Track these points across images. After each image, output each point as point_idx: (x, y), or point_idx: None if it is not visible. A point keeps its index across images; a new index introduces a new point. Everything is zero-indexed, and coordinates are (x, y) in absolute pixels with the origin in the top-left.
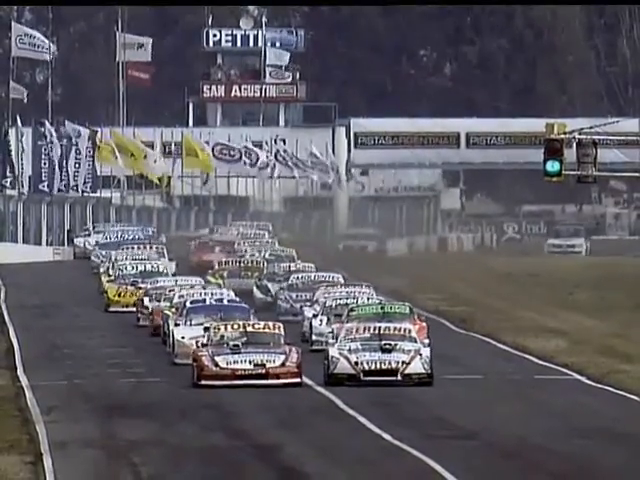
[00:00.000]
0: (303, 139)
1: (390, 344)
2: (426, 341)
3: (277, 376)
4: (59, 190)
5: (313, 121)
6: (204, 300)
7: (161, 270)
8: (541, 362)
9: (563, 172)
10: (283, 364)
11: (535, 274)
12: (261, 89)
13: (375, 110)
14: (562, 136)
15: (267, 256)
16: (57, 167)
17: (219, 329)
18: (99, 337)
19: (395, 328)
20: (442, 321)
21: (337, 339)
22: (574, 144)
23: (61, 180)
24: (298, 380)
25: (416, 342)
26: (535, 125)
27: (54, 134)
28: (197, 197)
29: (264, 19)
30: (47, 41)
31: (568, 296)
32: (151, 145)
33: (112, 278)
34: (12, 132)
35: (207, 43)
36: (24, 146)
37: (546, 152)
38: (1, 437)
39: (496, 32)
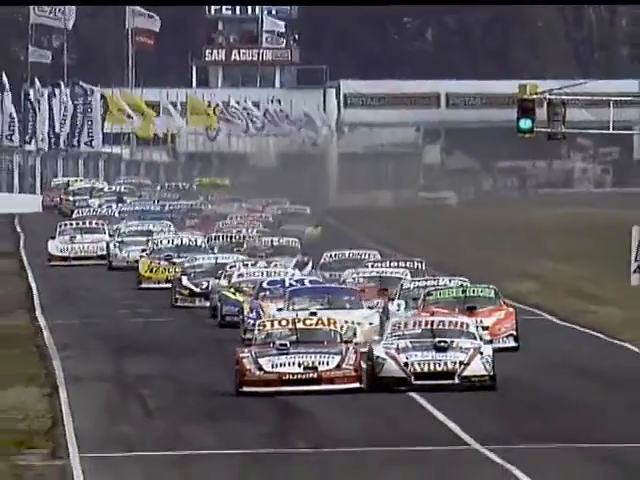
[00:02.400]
0: (297, 99)
1: (445, 341)
2: (487, 336)
3: (331, 380)
4: (73, 146)
5: (306, 83)
6: (283, 281)
7: (199, 244)
8: (514, 303)
9: (535, 129)
10: (339, 366)
11: (511, 224)
12: (258, 53)
13: (363, 73)
14: (534, 96)
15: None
16: (71, 124)
17: (265, 326)
18: (110, 281)
19: (450, 322)
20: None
21: (382, 335)
22: (545, 104)
23: (74, 136)
24: (357, 385)
25: (475, 338)
26: (509, 87)
27: (69, 94)
28: (201, 153)
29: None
30: (65, 9)
31: (538, 244)
32: (157, 105)
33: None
34: (32, 92)
35: (209, 11)
36: (42, 105)
37: (519, 111)
38: (21, 371)
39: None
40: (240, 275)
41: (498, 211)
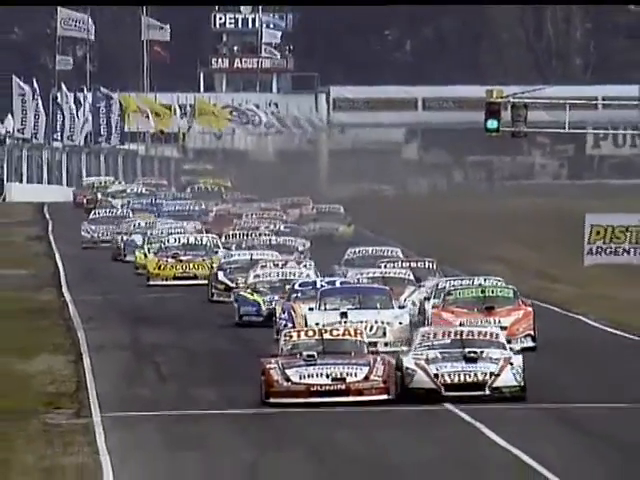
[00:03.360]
0: (292, 103)
1: (475, 352)
2: (516, 347)
3: (359, 392)
4: (96, 143)
5: (300, 88)
6: (314, 282)
7: (204, 243)
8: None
9: (500, 129)
10: (367, 378)
11: (481, 213)
12: (258, 62)
13: (350, 79)
14: (499, 100)
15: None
16: (92, 124)
17: (291, 336)
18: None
19: (480, 332)
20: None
21: (411, 345)
22: (509, 106)
23: (96, 135)
24: (385, 397)
25: (505, 348)
26: (478, 91)
27: (91, 98)
28: (207, 149)
29: (260, 6)
30: (89, 22)
31: (505, 231)
32: (169, 107)
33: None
34: (59, 96)
35: (215, 25)
36: (68, 108)
37: (487, 113)
38: (49, 341)
39: (449, 15)
40: (257, 276)
41: (469, 201)
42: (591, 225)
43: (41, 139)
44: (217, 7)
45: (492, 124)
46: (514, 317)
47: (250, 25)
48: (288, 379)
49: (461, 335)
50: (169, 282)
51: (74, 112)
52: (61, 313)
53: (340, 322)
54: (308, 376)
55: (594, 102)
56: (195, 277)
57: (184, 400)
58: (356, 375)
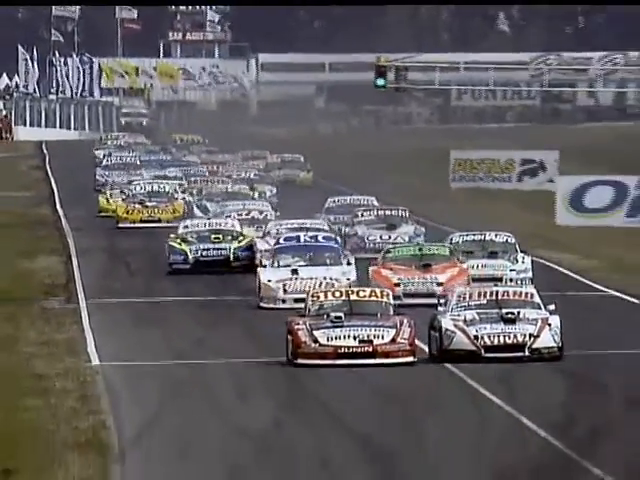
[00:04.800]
0: (230, 66)
1: (512, 313)
2: (552, 307)
3: (386, 354)
4: (81, 96)
5: (235, 55)
6: (298, 237)
7: (167, 190)
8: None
9: (387, 85)
10: (393, 340)
11: (375, 151)
12: (203, 35)
13: (274, 48)
14: (386, 63)
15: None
16: (78, 82)
17: (318, 297)
18: None
19: (515, 292)
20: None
21: (447, 304)
22: (393, 68)
23: (82, 90)
24: (411, 359)
25: (540, 308)
26: (370, 57)
27: (78, 61)
28: (167, 102)
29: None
30: (72, 6)
31: (394, 164)
32: (137, 69)
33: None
34: (54, 60)
35: (172, 7)
36: (61, 69)
37: (376, 73)
38: (46, 246)
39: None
40: (185, 227)
41: (364, 141)
42: (455, 159)
43: (39, 93)
44: None
45: (380, 82)
46: (450, 274)
47: (197, 8)
48: (316, 340)
49: (496, 295)
50: (136, 225)
51: (65, 73)
52: (55, 224)
53: (290, 279)
54: (335, 338)
55: (456, 65)
56: (159, 220)
57: (149, 290)
58: (383, 337)
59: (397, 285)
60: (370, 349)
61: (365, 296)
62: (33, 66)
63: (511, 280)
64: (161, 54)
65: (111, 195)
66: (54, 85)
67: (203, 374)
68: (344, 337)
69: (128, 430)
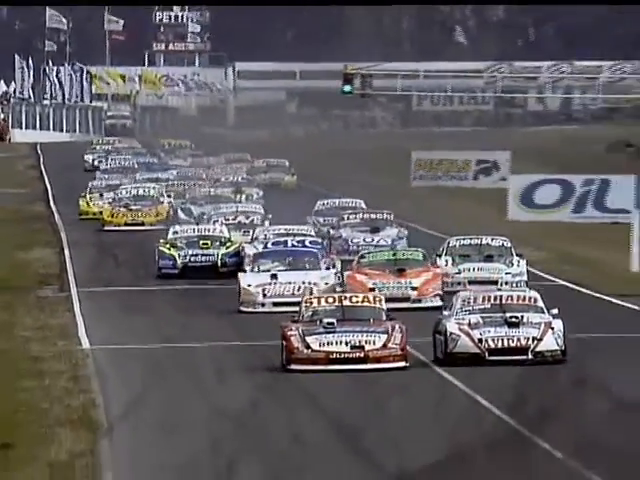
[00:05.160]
0: (209, 74)
1: (516, 317)
2: (555, 311)
3: (378, 360)
4: (75, 102)
5: (214, 64)
6: (285, 242)
7: (152, 194)
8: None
9: (353, 92)
10: (385, 345)
11: (343, 152)
12: (185, 46)
13: (250, 57)
14: (353, 71)
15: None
16: (70, 88)
17: (311, 303)
18: None
19: (519, 297)
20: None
21: (451, 309)
22: (359, 76)
23: (73, 96)
24: (402, 364)
25: (543, 312)
26: (338, 66)
27: (70, 70)
28: (152, 107)
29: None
30: (68, 18)
31: (360, 164)
32: (124, 76)
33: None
34: (47, 69)
35: (155, 20)
36: (53, 77)
37: (344, 81)
38: (41, 238)
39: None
40: (175, 232)
41: (333, 143)
42: (416, 159)
43: (34, 99)
44: (156, 7)
45: (347, 88)
46: (424, 278)
47: (180, 20)
48: (308, 346)
49: (500, 300)
50: (121, 228)
51: (57, 80)
52: (49, 219)
53: (270, 283)
54: (327, 344)
55: (417, 73)
56: (142, 224)
57: (135, 280)
58: (374, 343)
59: (372, 290)
60: (362, 355)
61: (358, 302)
62: (28, 74)
63: (506, 283)
64: (146, 63)
65: (91, 199)
66: (48, 91)
67: (187, 356)
68: (336, 343)
69: (116, 408)
